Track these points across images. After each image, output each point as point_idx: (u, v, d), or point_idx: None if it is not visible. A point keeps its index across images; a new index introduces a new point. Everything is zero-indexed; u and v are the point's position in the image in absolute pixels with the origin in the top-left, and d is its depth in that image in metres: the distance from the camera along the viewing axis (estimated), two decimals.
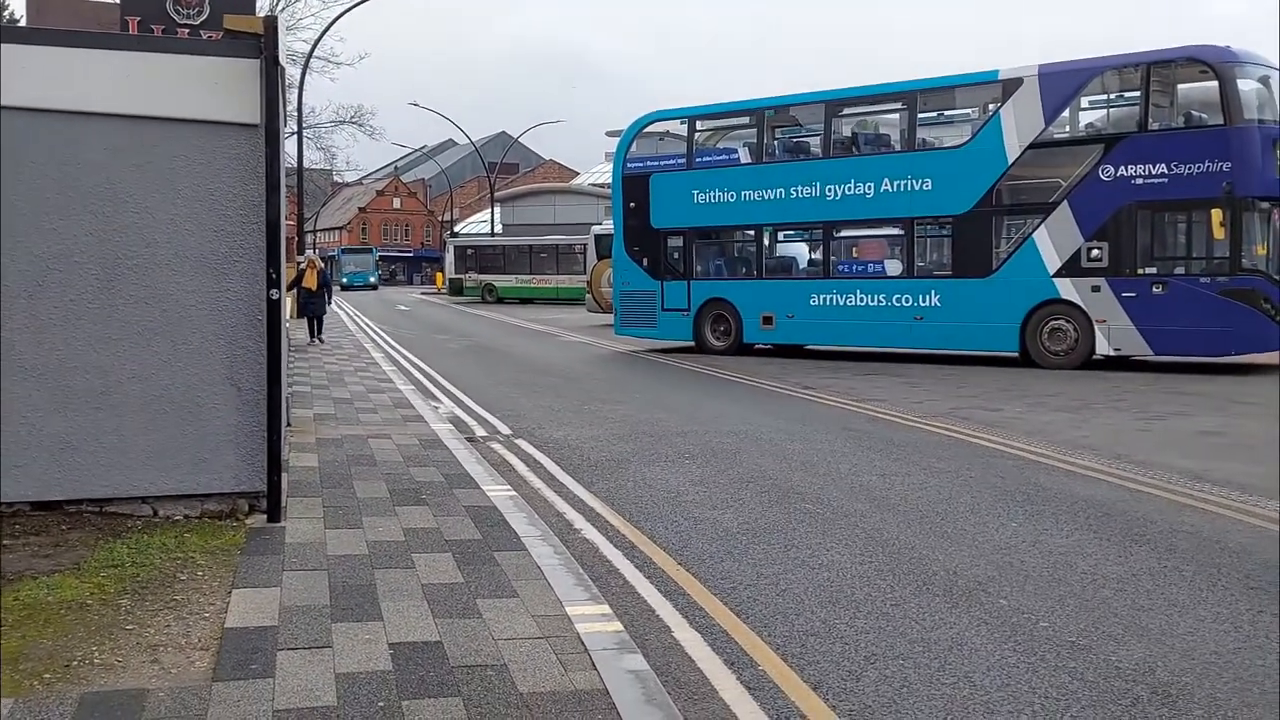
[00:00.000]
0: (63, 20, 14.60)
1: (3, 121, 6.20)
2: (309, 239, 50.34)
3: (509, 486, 8.10)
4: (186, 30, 11.75)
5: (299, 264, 23.21)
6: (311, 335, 22.03)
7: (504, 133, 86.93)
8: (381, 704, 3.98)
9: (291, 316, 19.32)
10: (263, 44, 6.50)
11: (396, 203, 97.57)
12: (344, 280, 69.14)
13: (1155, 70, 16.34)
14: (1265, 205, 15.75)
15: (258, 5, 17.80)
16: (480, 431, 11.18)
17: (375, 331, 28.01)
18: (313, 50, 31.79)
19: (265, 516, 6.64)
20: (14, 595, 5.09)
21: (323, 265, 23.58)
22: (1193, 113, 16.42)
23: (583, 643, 4.66)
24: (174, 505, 6.62)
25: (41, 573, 5.44)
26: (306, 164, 34.60)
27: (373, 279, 74.12)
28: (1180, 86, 16.76)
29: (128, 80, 6.42)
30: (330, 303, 24.12)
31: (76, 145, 6.35)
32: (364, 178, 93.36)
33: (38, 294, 6.28)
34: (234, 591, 5.27)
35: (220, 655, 4.43)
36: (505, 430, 11.25)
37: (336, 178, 76.27)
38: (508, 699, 4.05)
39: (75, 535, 6.15)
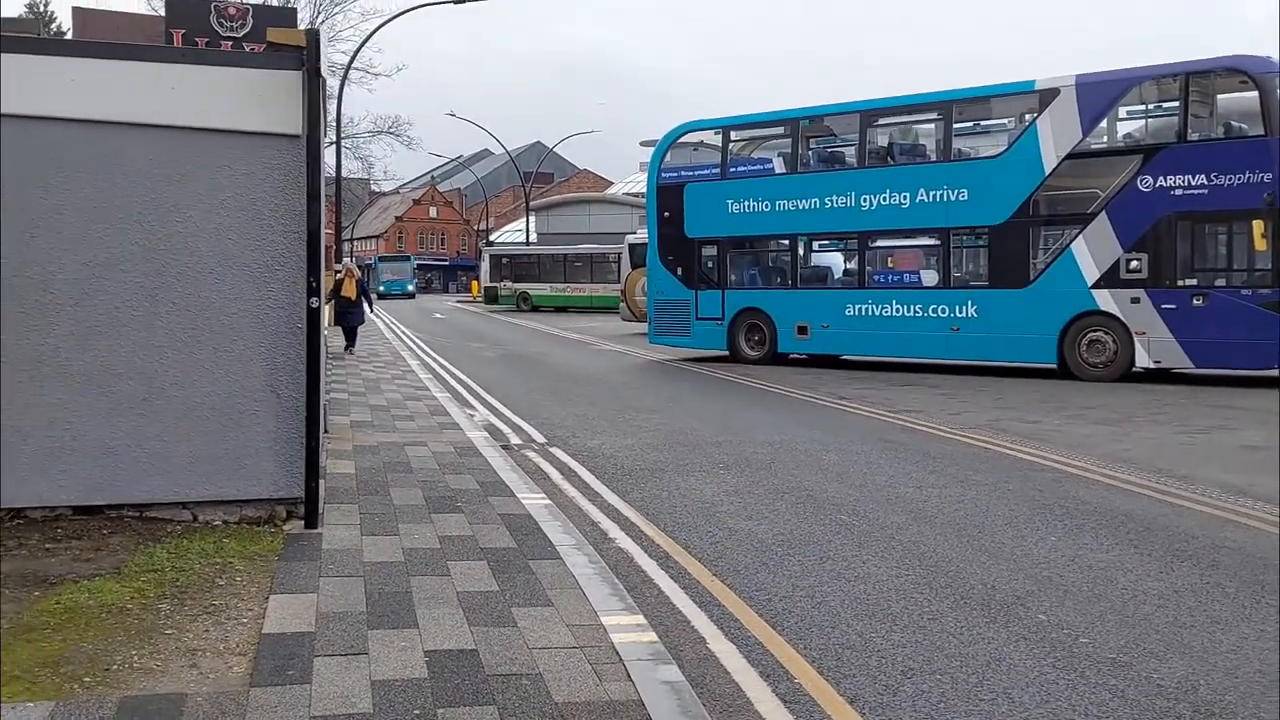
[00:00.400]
0: (107, 33, 14.84)
1: (52, 133, 6.31)
2: (346, 248, 50.74)
3: (544, 495, 8.12)
4: (230, 43, 11.92)
5: (336, 273, 23.02)
6: (348, 344, 21.89)
7: (539, 142, 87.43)
8: (417, 712, 3.99)
9: (329, 325, 19.35)
10: (305, 56, 6.58)
11: (433, 212, 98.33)
12: (381, 288, 67.10)
13: (1194, 80, 16.16)
14: None
15: (299, 18, 18.03)
16: (515, 439, 11.22)
17: (411, 339, 28.20)
18: (351, 61, 32.11)
19: (303, 523, 6.69)
20: (56, 599, 5.17)
21: (360, 274, 23.29)
22: (1233, 123, 16.22)
23: (617, 653, 4.65)
24: (213, 511, 6.69)
25: (83, 576, 5.52)
26: (344, 173, 34.97)
27: (410, 287, 72.06)
28: (1220, 97, 16.55)
29: (172, 92, 6.51)
30: (371, 311, 23.76)
31: (122, 156, 6.45)
32: (401, 187, 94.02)
33: (84, 301, 6.38)
34: (271, 597, 5.32)
35: (258, 661, 4.47)
36: (540, 438, 11.28)
37: (374, 187, 76.44)
38: (543, 709, 4.05)
39: (116, 540, 6.24)
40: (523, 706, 4.06)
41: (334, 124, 28.92)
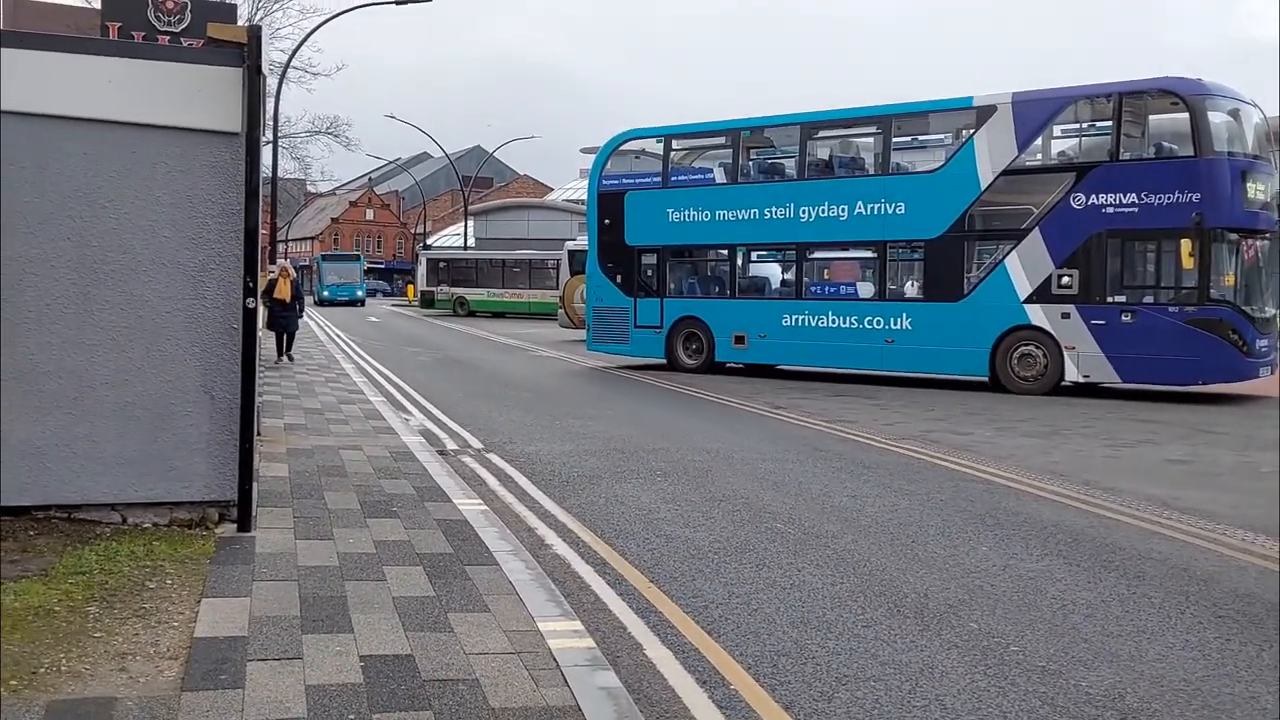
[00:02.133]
0: (39, 25, 14.48)
1: None
2: (280, 248, 49.69)
3: (480, 501, 8.07)
4: (167, 37, 11.68)
5: (270, 273, 21.49)
6: (280, 351, 20.12)
7: (479, 146, 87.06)
8: (352, 716, 3.95)
9: (263, 328, 18.53)
10: (246, 53, 6.48)
11: (370, 214, 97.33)
12: (324, 293, 59.66)
13: (1127, 100, 16.59)
14: (1234, 236, 15.99)
15: (238, 14, 17.73)
16: (451, 445, 11.14)
17: (346, 342, 27.86)
18: (290, 60, 31.64)
19: (235, 526, 6.58)
20: None
21: (295, 275, 21.59)
22: (1164, 143, 16.67)
23: (555, 659, 4.65)
24: (143, 513, 6.55)
25: (8, 578, 5.36)
26: (281, 173, 34.43)
27: (360, 293, 62.12)
28: (1152, 117, 17.01)
29: (108, 85, 6.37)
30: (302, 315, 21.86)
31: (55, 150, 6.30)
32: (338, 188, 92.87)
33: (12, 298, 6.21)
34: (203, 601, 5.22)
35: (189, 665, 4.38)
36: (477, 444, 11.22)
37: (310, 187, 74.19)
38: (479, 714, 4.03)
39: (43, 541, 6.08)
40: (459, 712, 4.04)
41: (272, 122, 28.47)
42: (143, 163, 6.43)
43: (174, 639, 4.69)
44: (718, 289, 21.15)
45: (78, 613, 4.96)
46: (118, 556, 5.84)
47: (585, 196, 24.23)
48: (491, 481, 9.14)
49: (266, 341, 20.09)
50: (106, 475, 6.40)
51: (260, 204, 6.79)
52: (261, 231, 7.01)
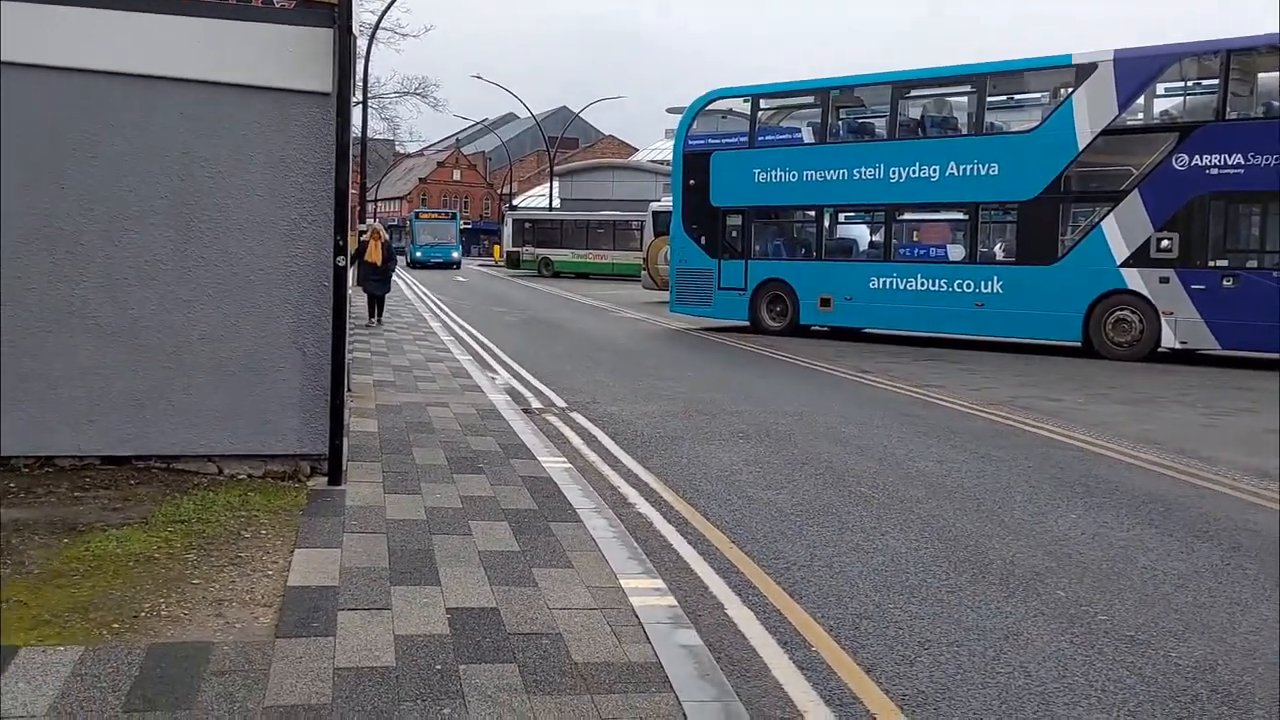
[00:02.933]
0: None
1: (85, 84, 6.34)
2: (370, 209, 50.25)
3: (564, 459, 8.15)
4: None
5: (361, 233, 20.73)
6: (371, 313, 19.52)
7: (564, 107, 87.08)
8: (439, 667, 4.04)
9: (353, 286, 18.09)
10: (336, 13, 6.56)
11: (456, 174, 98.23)
12: (417, 254, 56.78)
13: (1235, 58, 15.89)
14: None
15: None
16: (536, 403, 11.26)
17: (433, 301, 28.27)
18: (380, 21, 32.01)
19: (326, 479, 6.75)
20: (84, 546, 5.24)
21: (387, 236, 20.27)
22: (1273, 103, 15.97)
23: (636, 615, 4.69)
24: (239, 464, 6.76)
25: (111, 525, 5.59)
26: (370, 133, 34.92)
27: (455, 254, 58.12)
28: (1261, 75, 16.31)
29: (203, 46, 6.52)
30: (392, 277, 20.60)
31: (153, 109, 6.48)
32: (425, 149, 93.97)
33: (114, 254, 6.43)
34: (296, 551, 5.38)
35: (283, 612, 4.53)
36: (560, 403, 11.32)
37: (399, 148, 74.66)
38: (562, 668, 4.09)
39: (143, 490, 6.32)
40: (543, 665, 4.10)
41: (361, 83, 28.85)
42: (237, 122, 6.57)
43: (268, 587, 4.85)
44: (804, 251, 20.92)
45: (177, 559, 5.15)
46: (214, 506, 6.04)
47: (670, 157, 24.10)
48: (575, 440, 9.22)
49: (357, 299, 20.35)
50: (203, 427, 6.61)
51: (350, 164, 6.90)
52: (351, 191, 7.12)
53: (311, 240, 6.66)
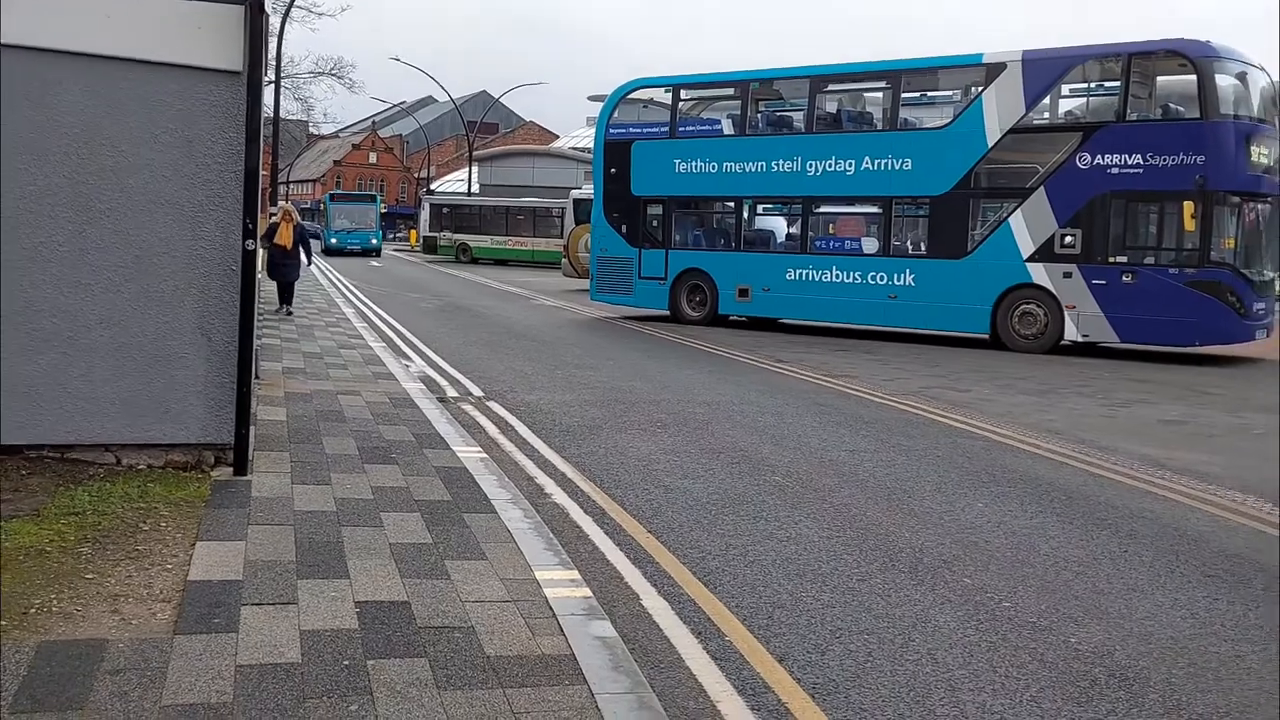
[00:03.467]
0: None
1: None
2: (281, 190, 48.77)
3: (480, 448, 8.07)
4: None
5: (271, 215, 19.33)
6: (281, 300, 18.35)
7: (485, 92, 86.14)
8: (347, 662, 3.96)
9: (262, 273, 17.08)
10: None
11: (373, 158, 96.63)
12: (332, 240, 51.84)
13: (1136, 61, 16.41)
14: (1236, 199, 15.90)
15: None
16: (451, 392, 11.14)
17: (346, 287, 27.79)
18: None
19: (231, 469, 6.58)
20: None
21: (299, 219, 18.89)
22: (1170, 105, 16.52)
23: (551, 607, 4.66)
24: (138, 454, 6.54)
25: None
26: (283, 114, 34.13)
27: (375, 240, 53.10)
28: (1159, 79, 16.85)
29: (108, 20, 6.27)
30: (309, 264, 19.43)
31: (54, 85, 6.20)
32: (341, 131, 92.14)
33: (7, 235, 6.15)
34: (198, 544, 5.23)
35: (183, 608, 4.39)
36: (477, 392, 11.21)
37: (313, 129, 72.70)
38: (474, 661, 4.04)
39: (35, 481, 6.07)
40: (454, 659, 4.05)
41: (274, 62, 28.16)
42: (142, 100, 6.34)
43: (167, 581, 4.70)
44: (723, 241, 21.04)
45: (70, 553, 4.96)
46: (111, 498, 5.84)
47: (592, 145, 24.00)
48: (491, 429, 9.14)
49: (266, 286, 19.68)
50: (100, 416, 6.38)
51: (261, 145, 6.72)
52: (262, 173, 6.93)
53: (219, 223, 6.46)
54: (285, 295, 18.53)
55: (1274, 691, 4.27)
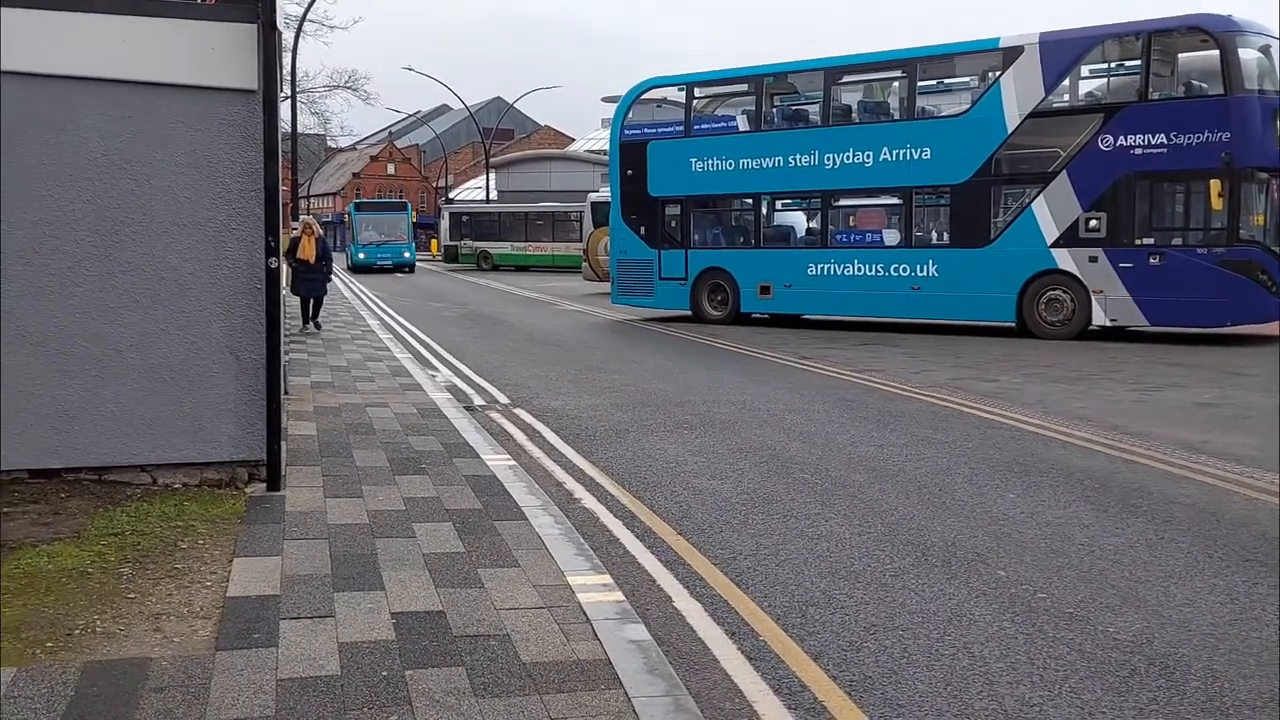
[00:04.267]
0: None
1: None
2: (302, 205, 48.64)
3: (508, 456, 8.11)
4: None
5: (293, 229, 19.27)
6: (305, 319, 18.08)
7: (499, 98, 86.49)
8: (385, 673, 4.00)
9: (286, 290, 16.82)
10: (260, 9, 6.43)
11: (391, 168, 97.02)
12: (360, 255, 46.71)
13: (1156, 39, 16.23)
14: (1264, 176, 15.71)
15: None
16: (478, 400, 11.18)
17: (370, 298, 27.95)
18: (306, 13, 31.46)
19: (265, 485, 6.65)
20: (14, 563, 5.10)
21: (321, 232, 18.78)
22: (1193, 82, 16.33)
23: (584, 612, 4.68)
24: (173, 473, 6.62)
25: (41, 541, 5.45)
26: (300, 129, 34.36)
27: (408, 254, 46.85)
28: (1181, 55, 16.67)
29: (123, 45, 6.35)
30: (330, 279, 19.13)
31: (73, 111, 6.30)
32: (358, 143, 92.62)
33: (35, 261, 6.25)
34: (235, 560, 5.28)
35: (223, 624, 4.44)
36: (503, 399, 11.25)
37: (330, 143, 72.67)
38: (511, 668, 4.07)
39: (74, 503, 6.16)
40: (491, 667, 4.07)
41: (289, 78, 28.38)
42: (160, 123, 6.42)
43: (207, 599, 4.76)
44: (742, 239, 21.02)
45: (111, 574, 5.03)
46: (149, 517, 5.91)
47: (607, 147, 24.03)
48: (519, 436, 9.17)
49: (291, 303, 19.67)
50: (135, 437, 6.46)
51: (280, 161, 6.79)
52: (282, 189, 7.00)
53: (242, 242, 6.53)
54: (314, 311, 18.31)
55: None
